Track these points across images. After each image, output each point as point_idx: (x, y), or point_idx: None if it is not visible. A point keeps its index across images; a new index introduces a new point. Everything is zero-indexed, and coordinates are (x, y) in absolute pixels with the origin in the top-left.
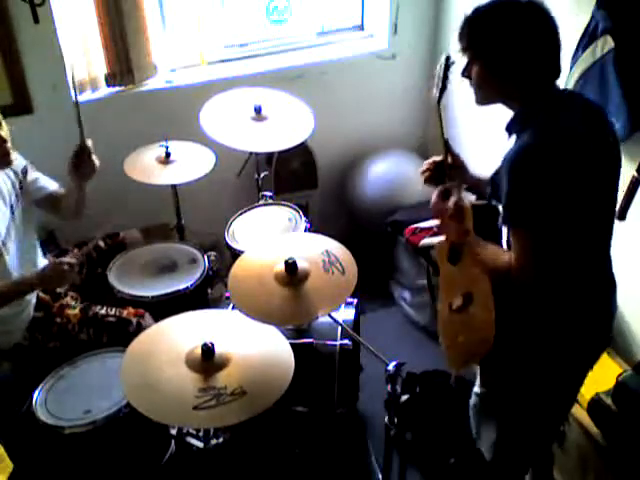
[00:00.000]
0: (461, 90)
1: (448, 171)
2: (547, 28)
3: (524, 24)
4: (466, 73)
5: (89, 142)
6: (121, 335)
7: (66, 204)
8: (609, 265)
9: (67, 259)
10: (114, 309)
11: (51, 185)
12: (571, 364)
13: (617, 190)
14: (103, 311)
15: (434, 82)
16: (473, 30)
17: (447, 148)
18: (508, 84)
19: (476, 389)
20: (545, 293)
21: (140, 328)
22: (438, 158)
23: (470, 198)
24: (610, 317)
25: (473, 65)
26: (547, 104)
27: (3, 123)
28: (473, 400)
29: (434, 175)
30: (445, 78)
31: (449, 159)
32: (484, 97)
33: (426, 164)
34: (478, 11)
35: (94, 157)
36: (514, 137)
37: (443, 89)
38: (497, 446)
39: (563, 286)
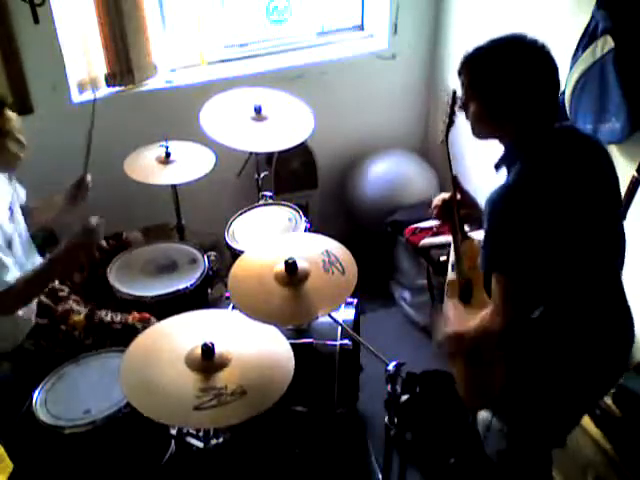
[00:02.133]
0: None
1: (456, 208)
2: (548, 72)
3: (526, 68)
4: (463, 107)
5: (89, 176)
6: (127, 342)
7: (37, 219)
8: (619, 297)
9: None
10: (119, 315)
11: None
12: (585, 391)
13: (618, 222)
14: (108, 317)
15: (442, 118)
16: (474, 69)
17: (455, 184)
18: (504, 124)
19: None
20: (542, 333)
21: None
22: (447, 195)
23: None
24: (626, 348)
25: (471, 102)
26: (537, 142)
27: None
28: (482, 417)
29: (444, 211)
30: (452, 114)
31: (458, 196)
32: (480, 132)
33: (436, 201)
34: (480, 50)
35: (89, 189)
36: (504, 171)
37: (450, 124)
38: (506, 454)
39: (564, 324)
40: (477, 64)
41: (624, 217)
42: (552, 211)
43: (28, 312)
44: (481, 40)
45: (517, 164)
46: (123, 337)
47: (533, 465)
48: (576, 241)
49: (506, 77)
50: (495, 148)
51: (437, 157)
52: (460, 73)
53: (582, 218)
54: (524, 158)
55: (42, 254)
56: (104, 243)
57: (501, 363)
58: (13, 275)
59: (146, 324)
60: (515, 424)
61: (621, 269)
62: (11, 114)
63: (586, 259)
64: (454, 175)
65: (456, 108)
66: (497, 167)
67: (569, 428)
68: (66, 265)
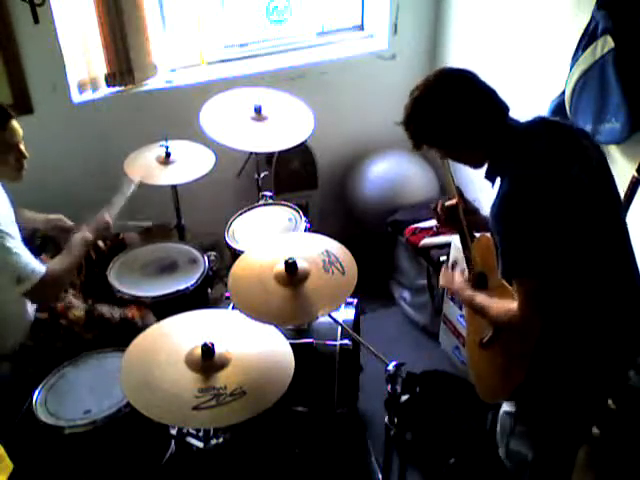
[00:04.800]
0: None
1: (462, 215)
2: (468, 88)
3: (447, 101)
4: (440, 157)
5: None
6: (126, 336)
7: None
8: (635, 285)
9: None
10: (118, 311)
11: None
12: (608, 373)
13: (618, 207)
14: (108, 314)
15: None
16: (411, 130)
17: (460, 195)
18: (470, 149)
19: (506, 408)
20: (562, 331)
21: (145, 327)
22: (448, 202)
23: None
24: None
25: (434, 150)
26: (513, 146)
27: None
28: (504, 421)
29: (450, 219)
30: None
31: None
32: (470, 165)
33: (439, 207)
34: (406, 111)
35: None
36: (498, 183)
37: None
38: (535, 464)
39: (584, 318)
40: (410, 122)
41: (624, 215)
42: (555, 204)
43: (26, 312)
44: (481, 40)
45: (505, 173)
46: (122, 332)
47: (561, 472)
48: (583, 227)
49: (437, 117)
50: None
51: (437, 157)
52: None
53: (582, 202)
54: (509, 166)
55: (40, 253)
56: (101, 243)
57: (523, 356)
58: (40, 265)
59: (145, 319)
60: (541, 423)
61: (634, 262)
62: (16, 125)
63: (595, 244)
64: (457, 186)
65: None
66: (489, 179)
67: (590, 422)
68: (87, 247)
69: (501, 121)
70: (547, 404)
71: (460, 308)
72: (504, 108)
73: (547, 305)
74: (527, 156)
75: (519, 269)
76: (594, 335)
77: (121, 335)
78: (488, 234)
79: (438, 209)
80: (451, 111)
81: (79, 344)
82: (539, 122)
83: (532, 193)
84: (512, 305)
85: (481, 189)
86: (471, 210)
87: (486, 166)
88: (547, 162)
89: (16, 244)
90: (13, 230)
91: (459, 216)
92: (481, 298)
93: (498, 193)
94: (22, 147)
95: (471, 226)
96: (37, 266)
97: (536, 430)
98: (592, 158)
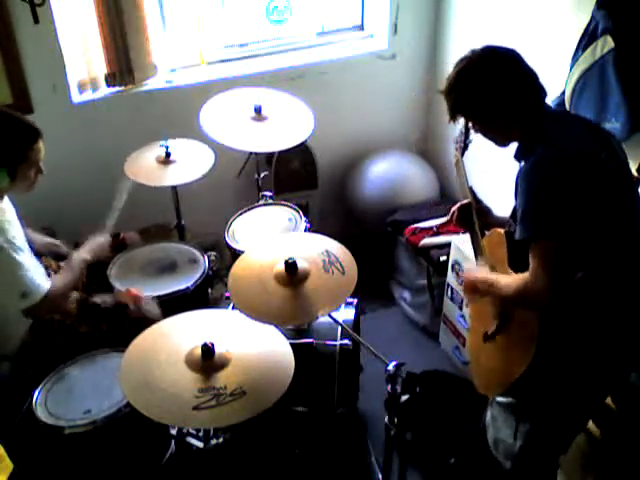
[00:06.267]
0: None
1: (475, 213)
2: (514, 67)
3: (493, 76)
4: (473, 131)
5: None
6: (120, 320)
7: None
8: None
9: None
10: (109, 297)
11: None
12: (610, 370)
13: (636, 198)
14: (99, 300)
15: (456, 141)
16: (452, 99)
17: (473, 195)
18: (507, 126)
19: (499, 399)
20: (570, 305)
21: (139, 309)
22: (464, 202)
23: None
24: None
25: (470, 123)
26: (547, 125)
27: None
28: (494, 410)
29: (462, 218)
30: (467, 138)
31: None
32: (499, 142)
33: (454, 208)
34: (449, 81)
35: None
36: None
37: (465, 147)
38: (521, 454)
39: (593, 296)
40: (453, 93)
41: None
42: (586, 178)
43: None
44: (481, 40)
45: (537, 148)
46: (116, 316)
47: (544, 467)
48: (605, 207)
49: (481, 90)
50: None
51: (437, 157)
52: (448, 108)
53: (607, 186)
54: (542, 141)
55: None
56: None
57: (530, 339)
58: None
59: (137, 300)
60: (539, 414)
61: None
62: (42, 145)
63: (617, 223)
64: (470, 186)
65: (470, 132)
66: (518, 158)
67: (588, 417)
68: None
69: (539, 104)
70: (547, 397)
71: (460, 308)
72: (543, 93)
73: (561, 272)
74: (561, 137)
75: (540, 230)
76: (600, 325)
77: (114, 321)
78: (501, 230)
79: (453, 209)
80: (494, 85)
81: (75, 337)
82: (571, 114)
83: (565, 162)
84: (526, 274)
85: (484, 191)
86: (484, 210)
87: (517, 146)
88: (581, 142)
89: (25, 258)
90: (23, 244)
91: (472, 216)
92: (496, 275)
93: (534, 158)
94: (41, 164)
95: (485, 225)
96: (43, 282)
97: (530, 421)
98: (616, 151)
